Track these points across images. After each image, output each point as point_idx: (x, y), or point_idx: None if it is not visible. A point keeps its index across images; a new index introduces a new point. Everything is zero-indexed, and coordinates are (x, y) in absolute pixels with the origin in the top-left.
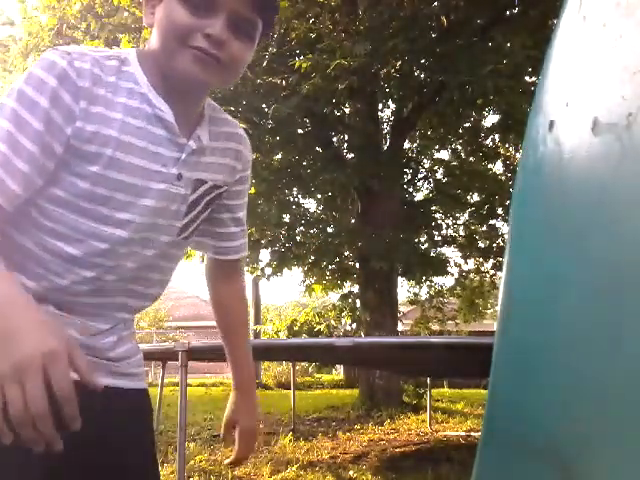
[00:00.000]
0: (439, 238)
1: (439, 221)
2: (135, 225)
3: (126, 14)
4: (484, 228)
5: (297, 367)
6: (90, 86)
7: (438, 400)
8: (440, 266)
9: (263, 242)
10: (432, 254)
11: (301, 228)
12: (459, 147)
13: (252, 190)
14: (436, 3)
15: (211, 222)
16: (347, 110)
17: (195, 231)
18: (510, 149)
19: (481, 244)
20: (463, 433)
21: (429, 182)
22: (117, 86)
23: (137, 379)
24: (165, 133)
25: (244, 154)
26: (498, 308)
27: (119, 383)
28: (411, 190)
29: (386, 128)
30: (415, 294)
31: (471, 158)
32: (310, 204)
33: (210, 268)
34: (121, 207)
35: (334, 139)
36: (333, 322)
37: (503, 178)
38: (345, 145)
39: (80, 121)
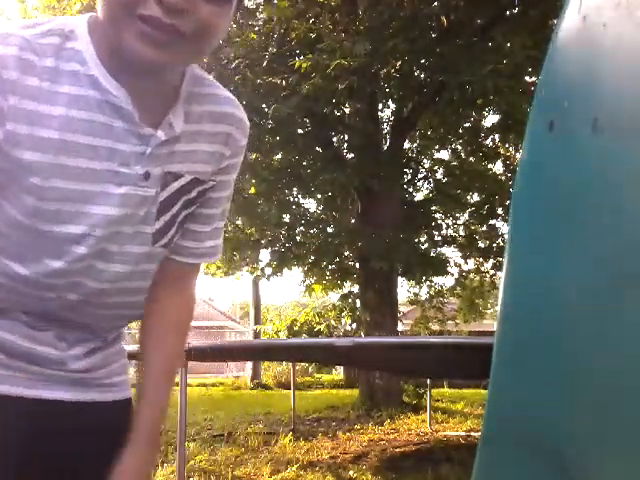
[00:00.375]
0: (439, 238)
1: (439, 221)
2: (94, 239)
3: None
4: (484, 228)
5: (297, 367)
6: (19, 77)
7: (438, 400)
8: (440, 266)
9: (263, 242)
10: (432, 254)
11: (301, 228)
12: (459, 147)
13: (252, 190)
14: (436, 3)
15: None
16: (347, 110)
17: (176, 237)
18: (510, 149)
19: (481, 244)
20: (463, 433)
21: (429, 182)
22: (57, 71)
23: (110, 390)
24: (122, 124)
25: (235, 137)
26: (498, 308)
27: (82, 396)
28: (411, 190)
29: (386, 128)
30: (415, 294)
31: (471, 158)
32: (310, 204)
33: (159, 272)
34: (72, 220)
35: (334, 139)
36: (333, 322)
37: (503, 178)
38: (345, 145)
39: (11, 122)
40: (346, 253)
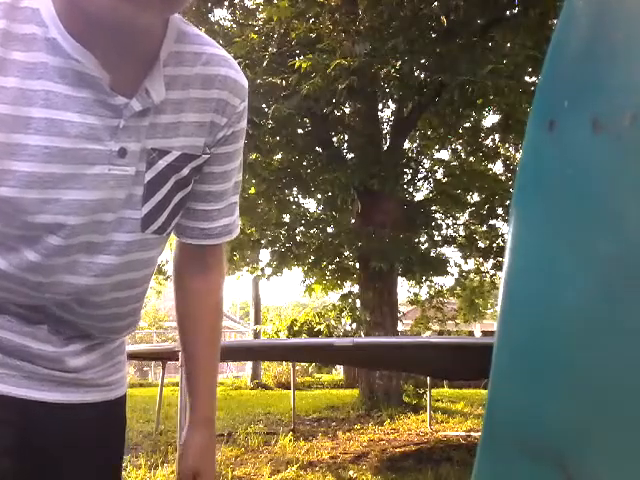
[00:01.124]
0: (439, 238)
1: (439, 221)
2: (70, 229)
3: None
4: (484, 228)
5: (297, 367)
6: None
7: (438, 400)
8: (440, 266)
9: (263, 242)
10: (432, 254)
11: (301, 228)
12: (459, 147)
13: (252, 190)
14: (436, 3)
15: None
16: (347, 110)
17: (173, 221)
18: (510, 149)
19: (481, 244)
20: (463, 433)
21: (429, 182)
22: (8, 34)
23: (103, 389)
24: (90, 94)
25: (230, 103)
26: (498, 308)
27: (73, 397)
28: (411, 190)
29: (386, 128)
30: (415, 294)
31: (471, 158)
32: (310, 204)
33: (180, 258)
34: (41, 208)
35: (334, 139)
36: (333, 322)
37: (503, 178)
38: (345, 145)
39: None
40: (346, 253)
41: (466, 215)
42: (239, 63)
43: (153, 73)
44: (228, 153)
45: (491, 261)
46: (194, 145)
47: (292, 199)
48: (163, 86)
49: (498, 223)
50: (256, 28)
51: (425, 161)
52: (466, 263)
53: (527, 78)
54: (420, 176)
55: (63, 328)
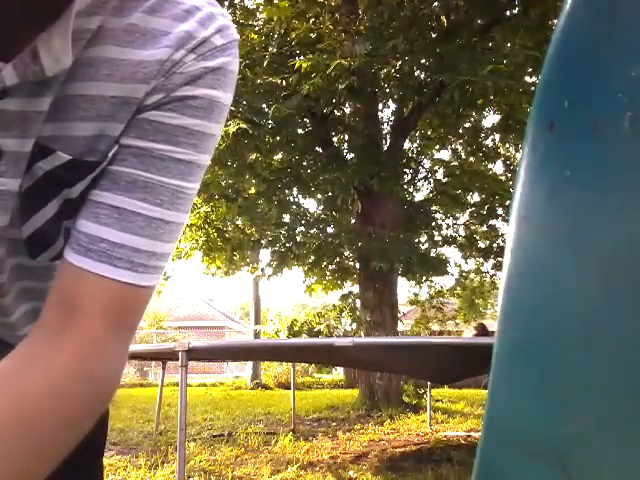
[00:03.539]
0: (439, 238)
1: (439, 221)
2: None
3: None
4: (484, 228)
5: (297, 367)
6: None
7: (438, 400)
8: (440, 266)
9: (263, 242)
10: (432, 254)
11: (301, 228)
12: (459, 147)
13: (252, 190)
14: (436, 3)
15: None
16: (347, 110)
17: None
18: (510, 149)
19: (481, 244)
20: (463, 433)
21: (429, 182)
22: None
23: None
24: None
25: (180, 62)
26: (498, 308)
27: None
28: (411, 190)
29: (386, 128)
30: (415, 294)
31: (471, 158)
32: (310, 204)
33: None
34: None
35: (334, 139)
36: (333, 322)
37: (503, 178)
38: (345, 145)
39: None
40: (346, 253)
41: (466, 215)
42: (239, 63)
43: (53, 30)
44: (151, 151)
45: (491, 261)
46: (101, 138)
47: (292, 199)
48: (69, 48)
49: (498, 223)
50: (256, 28)
51: (425, 161)
52: (466, 263)
53: (527, 78)
54: (420, 176)
55: None
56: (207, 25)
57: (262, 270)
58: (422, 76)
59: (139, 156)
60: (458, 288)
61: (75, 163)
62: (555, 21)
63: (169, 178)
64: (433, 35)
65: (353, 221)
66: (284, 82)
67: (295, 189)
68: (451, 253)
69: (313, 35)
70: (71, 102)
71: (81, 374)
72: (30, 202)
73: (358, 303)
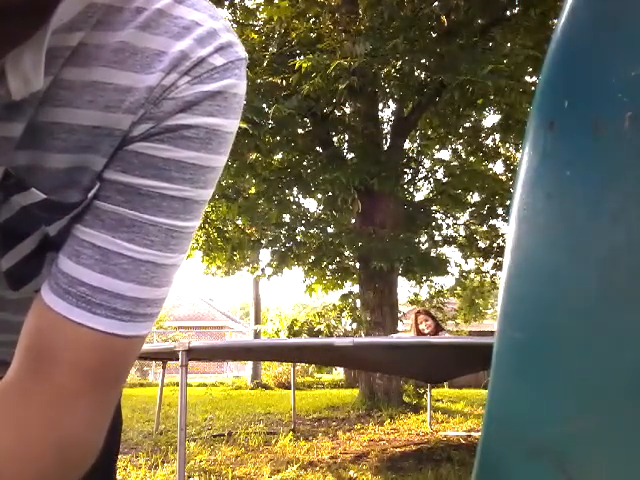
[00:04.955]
0: (439, 238)
1: (439, 221)
2: None
3: None
4: (484, 228)
5: (297, 367)
6: None
7: (438, 400)
8: (440, 266)
9: (263, 242)
10: (432, 254)
11: (301, 228)
12: (459, 147)
13: (252, 190)
14: (436, 3)
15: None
16: (347, 110)
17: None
18: (510, 149)
19: (481, 244)
20: (463, 433)
21: (429, 182)
22: None
23: None
24: None
25: (172, 85)
26: (498, 308)
27: None
28: (411, 190)
29: (386, 128)
30: (415, 294)
31: (471, 158)
32: (310, 204)
33: None
34: None
35: (334, 139)
36: (333, 322)
37: (503, 178)
38: (345, 145)
39: None
40: (346, 253)
41: (466, 215)
42: None
43: (24, 48)
44: (143, 180)
45: (491, 261)
46: (81, 171)
47: (292, 199)
48: (42, 69)
49: (498, 223)
50: (256, 28)
51: (425, 161)
52: (466, 263)
53: (527, 78)
54: (420, 176)
55: None
56: (205, 43)
57: (262, 270)
58: (422, 76)
59: (124, 193)
60: (458, 288)
61: (50, 203)
62: (555, 21)
63: (161, 217)
64: (433, 35)
65: (353, 221)
66: (284, 82)
67: (295, 189)
68: (451, 253)
69: (313, 35)
70: (48, 130)
71: (48, 435)
72: (8, 235)
73: (358, 303)
